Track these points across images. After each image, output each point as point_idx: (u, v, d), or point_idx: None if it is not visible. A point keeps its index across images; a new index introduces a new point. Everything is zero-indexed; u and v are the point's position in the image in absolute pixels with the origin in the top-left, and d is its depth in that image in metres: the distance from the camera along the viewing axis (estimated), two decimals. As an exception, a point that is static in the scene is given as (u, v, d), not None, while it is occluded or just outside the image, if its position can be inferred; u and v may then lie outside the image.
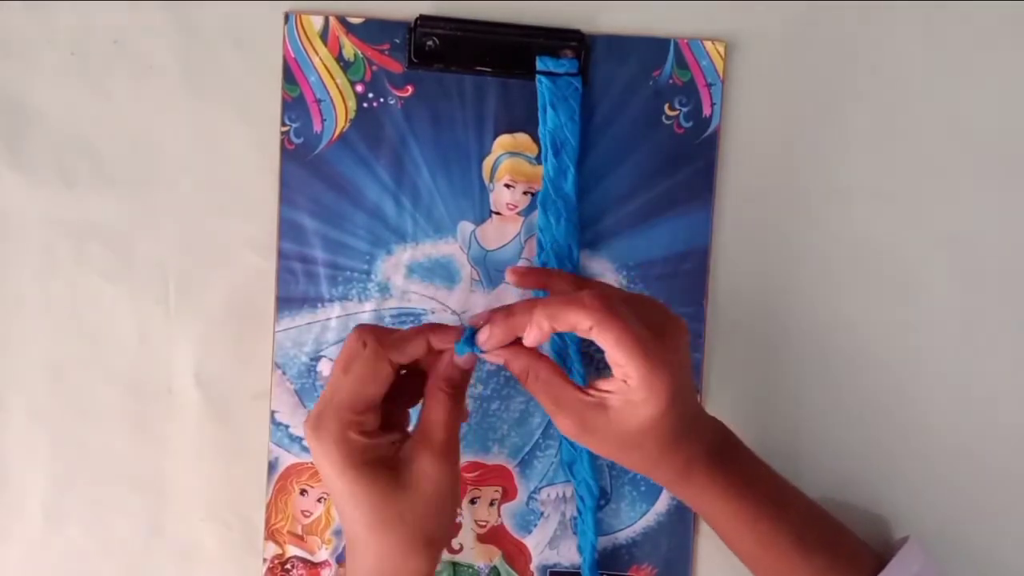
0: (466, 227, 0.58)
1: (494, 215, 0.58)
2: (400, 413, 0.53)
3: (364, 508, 0.49)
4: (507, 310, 0.49)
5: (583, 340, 0.55)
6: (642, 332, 0.46)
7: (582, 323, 0.46)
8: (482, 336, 0.49)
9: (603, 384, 0.48)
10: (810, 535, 0.52)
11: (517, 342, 0.49)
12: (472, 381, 0.58)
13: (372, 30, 0.57)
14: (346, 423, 0.48)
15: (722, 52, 0.58)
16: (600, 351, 0.47)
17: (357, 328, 0.50)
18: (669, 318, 0.50)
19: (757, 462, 0.53)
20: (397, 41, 0.57)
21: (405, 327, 0.57)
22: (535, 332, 0.48)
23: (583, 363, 0.57)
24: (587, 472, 0.57)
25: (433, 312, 0.58)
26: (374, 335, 0.49)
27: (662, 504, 0.59)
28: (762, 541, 0.52)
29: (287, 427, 0.57)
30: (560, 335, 0.56)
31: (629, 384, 0.47)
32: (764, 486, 0.52)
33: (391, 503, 0.49)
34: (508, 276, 0.55)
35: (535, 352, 0.50)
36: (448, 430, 0.50)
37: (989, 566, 0.60)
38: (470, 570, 0.59)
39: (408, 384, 0.52)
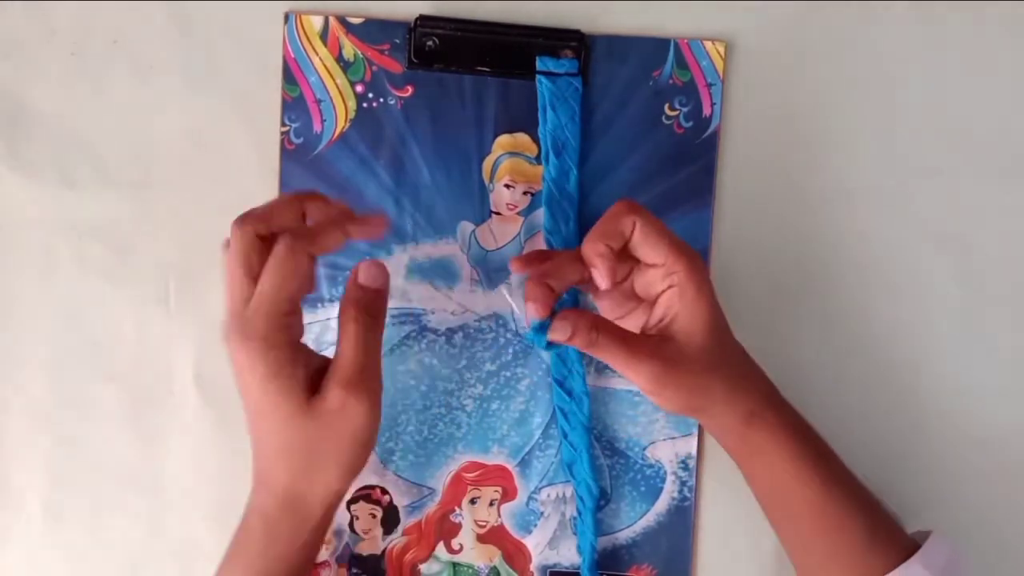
0: (466, 227, 0.58)
1: (494, 215, 0.58)
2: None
3: (277, 428, 0.47)
4: (550, 263, 0.50)
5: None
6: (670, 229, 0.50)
7: (626, 224, 0.48)
8: (557, 327, 0.48)
9: (656, 313, 0.50)
10: (864, 498, 0.52)
11: (575, 312, 0.48)
12: (472, 381, 0.58)
13: (372, 30, 0.57)
14: (276, 325, 0.46)
15: (722, 52, 0.58)
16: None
17: (237, 221, 0.47)
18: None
19: (811, 426, 0.53)
20: (397, 41, 0.57)
21: (405, 327, 0.57)
22: (603, 265, 0.48)
23: (582, 363, 0.57)
24: (587, 472, 0.57)
25: (433, 312, 0.58)
26: (286, 230, 0.46)
27: (662, 504, 0.59)
28: (826, 491, 0.50)
29: (287, 427, 0.57)
30: (561, 360, 0.57)
31: (677, 283, 0.48)
32: (823, 442, 0.53)
33: (301, 430, 0.47)
34: (511, 266, 0.55)
35: (591, 315, 0.49)
36: (359, 359, 0.48)
37: (996, 561, 0.60)
38: (470, 570, 0.59)
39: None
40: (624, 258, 0.50)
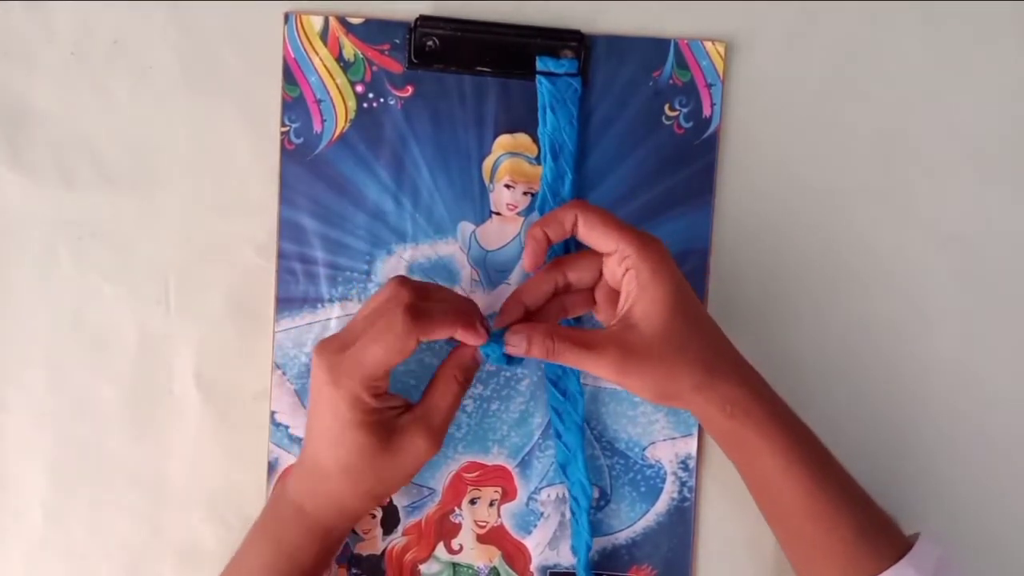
0: (466, 227, 0.58)
1: (494, 215, 0.58)
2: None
3: (349, 456, 0.51)
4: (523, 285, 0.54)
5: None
6: (622, 220, 0.51)
7: (567, 218, 0.51)
8: (512, 342, 0.51)
9: (619, 302, 0.51)
10: (855, 493, 0.52)
11: (528, 324, 0.51)
12: (472, 381, 0.58)
13: (372, 30, 0.57)
14: (364, 385, 0.50)
15: (722, 52, 0.58)
16: None
17: (396, 282, 0.51)
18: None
19: (801, 421, 0.53)
20: (397, 41, 0.57)
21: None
22: (531, 245, 0.52)
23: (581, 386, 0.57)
24: (581, 473, 0.57)
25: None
26: (409, 310, 0.49)
27: (662, 504, 0.59)
28: (815, 486, 0.50)
29: (287, 427, 0.57)
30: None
31: (632, 265, 0.50)
32: (812, 436, 0.52)
33: (374, 462, 0.51)
34: (525, 262, 0.54)
35: (544, 325, 0.52)
36: (449, 418, 0.53)
37: (993, 562, 0.60)
38: (470, 570, 0.59)
39: None
40: (593, 260, 0.53)
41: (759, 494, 0.53)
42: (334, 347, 0.50)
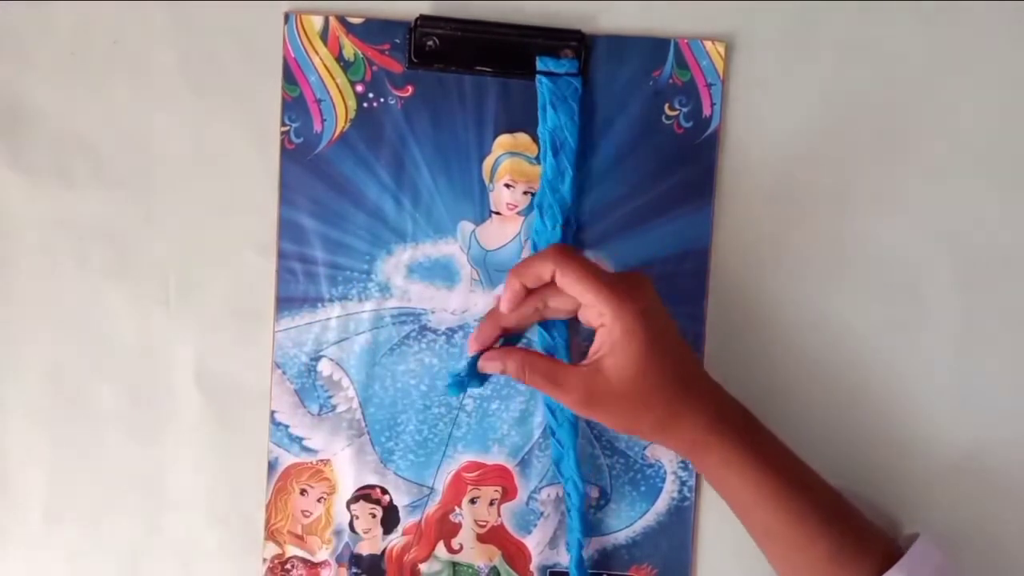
0: (466, 227, 0.58)
1: (494, 215, 0.58)
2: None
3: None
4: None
5: (571, 339, 0.56)
6: (603, 272, 0.51)
7: (545, 270, 0.51)
8: (487, 368, 0.54)
9: (592, 349, 0.51)
10: (827, 519, 0.52)
11: (505, 347, 0.54)
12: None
13: (372, 30, 0.57)
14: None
15: (722, 52, 0.58)
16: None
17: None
18: (630, 275, 0.54)
19: (779, 442, 0.53)
20: (397, 41, 0.57)
21: (405, 327, 0.57)
22: (508, 293, 0.53)
23: (571, 361, 0.57)
24: (573, 470, 0.57)
25: (433, 312, 0.58)
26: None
27: (662, 504, 0.59)
28: (780, 521, 0.52)
29: (287, 427, 0.57)
30: (548, 332, 0.57)
31: (606, 324, 0.50)
32: (786, 466, 0.53)
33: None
34: (502, 305, 0.55)
35: (524, 348, 0.53)
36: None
37: (991, 565, 0.60)
38: (470, 570, 0.59)
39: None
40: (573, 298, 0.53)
41: (740, 517, 0.54)
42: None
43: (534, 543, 0.59)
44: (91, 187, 0.57)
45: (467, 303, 0.58)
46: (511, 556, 0.59)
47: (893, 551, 0.52)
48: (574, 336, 0.57)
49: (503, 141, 0.57)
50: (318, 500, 0.58)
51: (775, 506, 0.51)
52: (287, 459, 0.57)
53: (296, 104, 0.57)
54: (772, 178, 0.59)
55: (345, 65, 0.57)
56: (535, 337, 0.57)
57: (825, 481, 0.54)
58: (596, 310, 0.51)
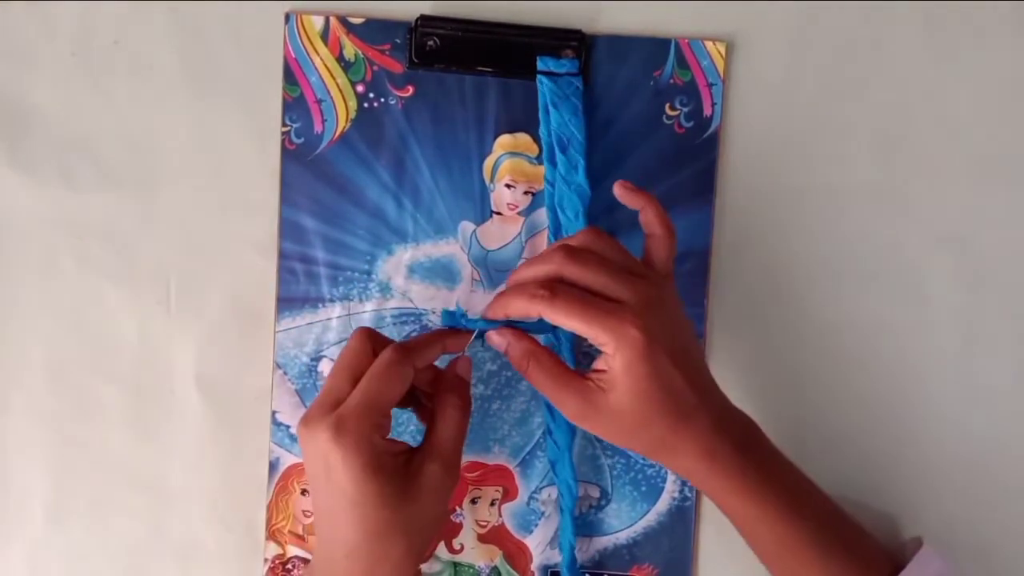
0: (467, 227, 0.58)
1: (495, 215, 0.58)
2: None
3: (371, 515, 0.48)
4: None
5: (576, 339, 0.56)
6: (597, 301, 0.48)
7: (530, 311, 0.49)
8: (494, 341, 0.51)
9: (597, 365, 0.49)
10: (827, 537, 0.52)
11: (520, 331, 0.51)
12: (472, 381, 0.58)
13: (373, 30, 0.57)
14: (372, 425, 0.48)
15: (723, 52, 0.58)
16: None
17: (359, 330, 0.51)
18: (638, 284, 0.50)
19: (780, 459, 0.53)
20: (398, 41, 0.57)
21: (406, 328, 0.57)
22: (493, 313, 0.51)
23: (574, 358, 0.57)
24: (567, 472, 0.57)
25: (434, 312, 0.58)
26: (393, 344, 0.50)
27: (663, 504, 0.59)
28: (782, 542, 0.52)
29: (288, 427, 0.57)
30: (554, 333, 0.56)
31: (607, 352, 0.48)
32: (786, 486, 0.52)
33: (397, 512, 0.48)
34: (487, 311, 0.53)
35: (535, 340, 0.51)
36: (458, 442, 0.51)
37: (992, 566, 0.60)
38: (471, 570, 0.59)
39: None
40: None
41: (743, 537, 0.54)
42: (324, 411, 0.48)
43: (535, 543, 0.59)
44: (91, 187, 0.57)
45: (468, 303, 0.58)
46: (512, 556, 0.59)
47: (893, 568, 0.52)
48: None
49: (504, 141, 0.57)
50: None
51: (776, 530, 0.51)
52: (288, 459, 0.57)
53: (297, 104, 0.57)
54: (772, 178, 0.59)
55: (346, 65, 0.57)
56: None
57: (830, 502, 0.54)
58: (595, 340, 0.48)
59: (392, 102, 0.57)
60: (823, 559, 0.51)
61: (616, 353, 0.48)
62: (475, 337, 0.52)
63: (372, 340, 0.51)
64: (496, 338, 0.51)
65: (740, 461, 0.51)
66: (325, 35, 0.57)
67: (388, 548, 0.48)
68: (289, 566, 0.58)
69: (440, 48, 0.56)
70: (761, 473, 0.51)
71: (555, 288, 0.48)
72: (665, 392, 0.48)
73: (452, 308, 0.56)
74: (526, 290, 0.48)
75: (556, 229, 0.57)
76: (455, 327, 0.52)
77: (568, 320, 0.48)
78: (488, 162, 0.57)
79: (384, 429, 0.49)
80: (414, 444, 0.52)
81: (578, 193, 0.56)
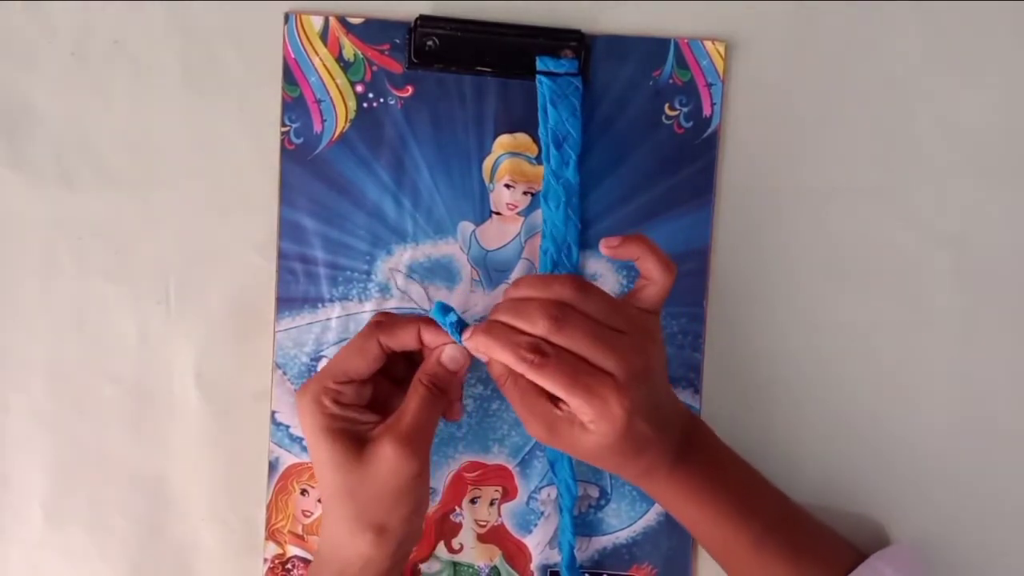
0: (466, 227, 0.58)
1: (494, 215, 0.58)
2: (394, 400, 0.53)
3: (325, 475, 0.51)
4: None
5: None
6: (581, 374, 0.47)
7: (517, 368, 0.48)
8: (466, 334, 0.50)
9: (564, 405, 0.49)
10: (772, 541, 0.52)
11: (496, 340, 0.50)
12: (472, 381, 0.58)
13: (372, 30, 0.57)
14: (322, 389, 0.51)
15: (722, 52, 0.58)
16: None
17: (375, 315, 0.54)
18: (635, 318, 0.50)
19: (727, 462, 0.54)
20: (397, 41, 0.57)
21: (407, 327, 0.57)
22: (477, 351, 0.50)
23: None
24: (567, 473, 0.57)
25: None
26: (374, 320, 0.53)
27: (662, 504, 0.59)
28: (723, 544, 0.53)
29: (287, 427, 0.57)
30: None
31: (586, 420, 0.48)
32: (730, 488, 0.53)
33: (346, 475, 0.50)
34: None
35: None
36: (417, 421, 0.51)
37: (992, 566, 0.60)
38: (470, 570, 0.59)
39: (408, 374, 0.53)
40: None
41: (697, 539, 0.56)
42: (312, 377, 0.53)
43: (534, 543, 0.59)
44: (91, 187, 0.57)
45: (467, 303, 0.58)
46: (511, 556, 0.59)
47: (855, 562, 0.53)
48: None
49: (503, 141, 0.57)
50: (319, 500, 0.58)
51: (723, 531, 0.53)
52: (288, 459, 0.57)
53: (296, 104, 0.57)
54: (772, 178, 0.59)
55: (345, 65, 0.57)
56: None
57: (783, 503, 0.55)
58: (576, 410, 0.48)
59: (391, 102, 0.57)
60: (762, 563, 0.52)
61: (595, 423, 0.48)
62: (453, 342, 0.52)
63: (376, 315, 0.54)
64: (478, 351, 0.50)
65: (677, 467, 0.52)
66: (324, 35, 0.57)
67: (337, 508, 0.51)
68: (289, 566, 0.58)
69: (439, 48, 0.56)
70: (702, 476, 0.52)
71: (544, 354, 0.47)
72: (632, 447, 0.49)
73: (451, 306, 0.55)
74: (515, 350, 0.48)
75: (544, 218, 0.57)
76: (438, 322, 0.51)
77: (553, 388, 0.48)
78: (487, 162, 0.57)
79: (341, 396, 0.51)
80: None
81: (564, 186, 0.56)
